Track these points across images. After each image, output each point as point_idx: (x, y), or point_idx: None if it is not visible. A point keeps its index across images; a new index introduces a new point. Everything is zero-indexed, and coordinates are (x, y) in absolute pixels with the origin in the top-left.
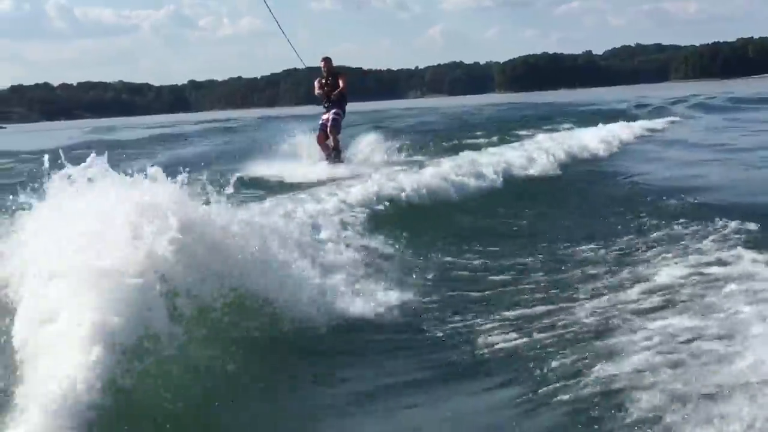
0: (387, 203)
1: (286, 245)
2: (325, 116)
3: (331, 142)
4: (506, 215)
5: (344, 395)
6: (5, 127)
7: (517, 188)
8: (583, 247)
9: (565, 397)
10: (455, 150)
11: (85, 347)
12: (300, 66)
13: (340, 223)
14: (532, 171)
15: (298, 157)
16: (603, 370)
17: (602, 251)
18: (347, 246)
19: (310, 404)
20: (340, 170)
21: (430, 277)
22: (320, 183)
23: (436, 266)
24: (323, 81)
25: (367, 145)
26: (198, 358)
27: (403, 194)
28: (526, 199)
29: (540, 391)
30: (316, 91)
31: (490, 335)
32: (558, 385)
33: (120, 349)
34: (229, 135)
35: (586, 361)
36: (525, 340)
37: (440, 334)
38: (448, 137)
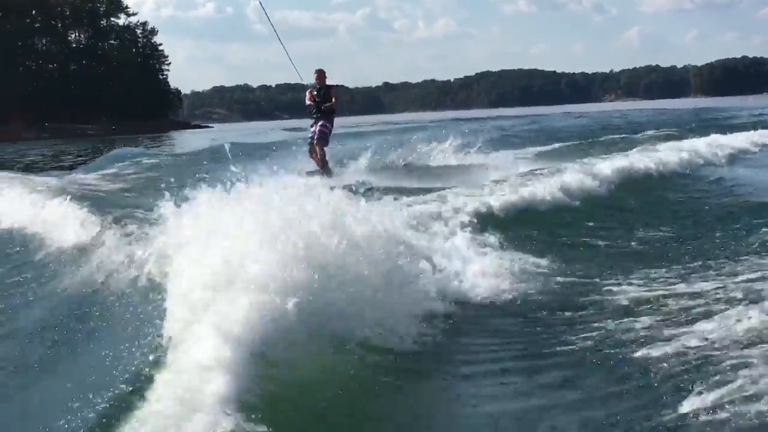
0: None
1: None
2: (312, 128)
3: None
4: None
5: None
6: (212, 127)
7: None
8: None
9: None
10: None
11: (226, 347)
12: (299, 81)
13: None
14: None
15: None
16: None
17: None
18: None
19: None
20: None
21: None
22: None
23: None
24: (314, 92)
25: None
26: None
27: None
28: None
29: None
30: (307, 101)
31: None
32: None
33: (260, 348)
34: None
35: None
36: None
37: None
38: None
